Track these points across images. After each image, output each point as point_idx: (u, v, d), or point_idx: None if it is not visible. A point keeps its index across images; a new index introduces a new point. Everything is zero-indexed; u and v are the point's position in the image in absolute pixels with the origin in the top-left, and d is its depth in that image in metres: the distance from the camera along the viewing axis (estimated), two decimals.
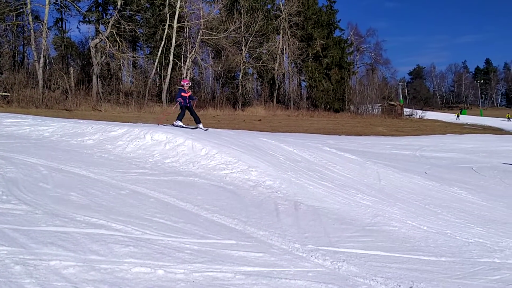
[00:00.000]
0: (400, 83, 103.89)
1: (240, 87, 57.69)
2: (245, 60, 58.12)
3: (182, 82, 14.51)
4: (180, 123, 14.19)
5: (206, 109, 49.28)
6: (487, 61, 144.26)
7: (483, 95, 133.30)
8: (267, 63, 58.92)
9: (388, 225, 8.21)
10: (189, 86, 14.53)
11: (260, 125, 39.81)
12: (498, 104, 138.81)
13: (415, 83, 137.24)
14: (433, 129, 49.10)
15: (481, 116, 79.84)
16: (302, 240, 6.66)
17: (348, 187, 11.00)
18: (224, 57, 57.34)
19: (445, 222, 8.97)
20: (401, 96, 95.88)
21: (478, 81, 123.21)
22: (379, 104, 69.68)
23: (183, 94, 14.16)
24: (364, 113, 64.84)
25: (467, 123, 60.73)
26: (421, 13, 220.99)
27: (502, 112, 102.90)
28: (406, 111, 75.02)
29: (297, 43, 61.15)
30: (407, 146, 29.64)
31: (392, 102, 74.15)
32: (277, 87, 63.29)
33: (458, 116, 69.74)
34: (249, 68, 60.01)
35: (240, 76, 58.20)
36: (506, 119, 66.47)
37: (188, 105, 14.41)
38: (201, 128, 14.08)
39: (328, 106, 63.28)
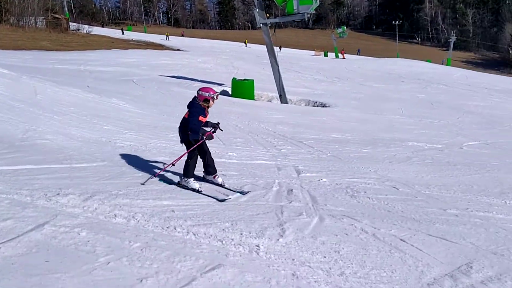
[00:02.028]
0: None
1: None
2: None
3: (203, 92, 6.08)
4: (195, 184, 6.06)
5: None
6: None
7: (147, 12, 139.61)
8: None
9: (42, 138, 7.91)
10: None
11: None
12: (161, 22, 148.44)
13: None
14: (100, 44, 48.83)
15: (145, 32, 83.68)
16: None
17: None
18: None
19: (101, 130, 9.29)
20: (66, 9, 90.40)
21: None
22: (43, 17, 64.02)
23: (201, 118, 6.05)
24: (27, 26, 58.50)
25: (132, 39, 62.92)
26: None
27: (164, 29, 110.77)
28: (73, 25, 71.67)
29: None
30: (72, 61, 28.70)
31: (57, 16, 69.31)
32: None
33: (122, 31, 71.83)
34: None
35: None
36: (165, 37, 71.40)
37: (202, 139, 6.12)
38: (221, 185, 6.35)
39: None
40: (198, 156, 6.18)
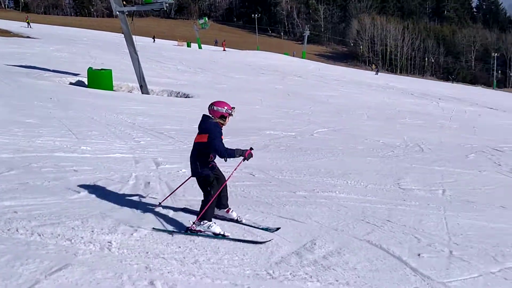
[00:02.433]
0: None
1: None
2: None
3: (218, 107, 4.78)
4: (217, 228, 4.64)
5: None
6: None
7: None
8: None
9: None
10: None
11: None
12: (7, 6, 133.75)
13: None
14: None
15: None
16: None
17: None
18: None
19: None
20: None
21: None
22: None
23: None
24: None
25: None
26: None
27: (10, 14, 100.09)
28: None
29: None
30: None
31: None
32: None
33: None
34: None
35: None
36: (26, 25, 63.59)
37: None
38: (237, 221, 5.11)
39: None
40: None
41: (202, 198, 4.78)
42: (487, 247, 5.04)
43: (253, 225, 4.99)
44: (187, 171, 7.15)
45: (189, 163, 4.84)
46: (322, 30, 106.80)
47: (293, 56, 65.25)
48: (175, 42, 67.13)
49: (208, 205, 4.64)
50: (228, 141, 10.27)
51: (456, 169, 9.14)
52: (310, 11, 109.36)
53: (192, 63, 38.20)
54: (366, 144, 11.70)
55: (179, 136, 10.36)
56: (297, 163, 8.52)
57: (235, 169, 5.10)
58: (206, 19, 69.96)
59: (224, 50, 61.42)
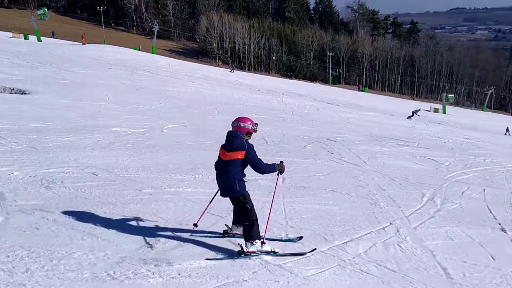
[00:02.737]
0: None
1: None
2: None
3: (244, 124, 4.76)
4: (267, 247, 4.57)
5: None
6: None
7: None
8: None
9: None
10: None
11: None
12: None
13: None
14: None
15: None
16: None
17: None
18: None
19: None
20: None
21: None
22: None
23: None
24: None
25: None
26: None
27: None
28: None
29: None
30: None
31: None
32: None
33: None
34: None
35: None
36: None
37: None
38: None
39: None
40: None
41: (244, 218, 4.59)
42: (319, 228, 5.58)
43: (275, 238, 5.03)
44: (20, 173, 6.56)
45: (219, 182, 4.73)
46: (172, 25, 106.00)
47: (139, 50, 63.53)
48: (10, 34, 60.60)
49: (251, 225, 4.52)
50: (69, 140, 9.69)
51: (295, 159, 9.90)
52: (159, 5, 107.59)
53: (30, 56, 34.88)
54: (215, 138, 11.96)
55: (12, 136, 9.42)
56: (145, 160, 8.37)
57: (276, 185, 5.10)
58: (46, 9, 64.43)
59: (84, 43, 57.15)
